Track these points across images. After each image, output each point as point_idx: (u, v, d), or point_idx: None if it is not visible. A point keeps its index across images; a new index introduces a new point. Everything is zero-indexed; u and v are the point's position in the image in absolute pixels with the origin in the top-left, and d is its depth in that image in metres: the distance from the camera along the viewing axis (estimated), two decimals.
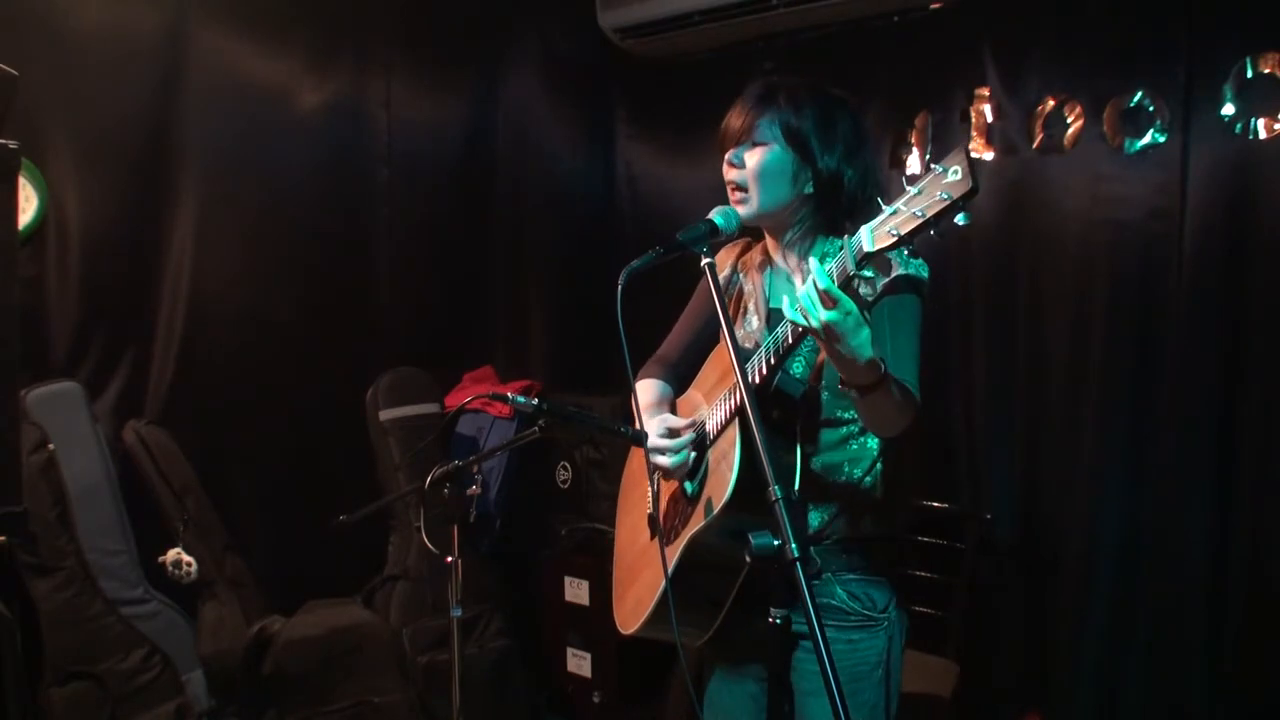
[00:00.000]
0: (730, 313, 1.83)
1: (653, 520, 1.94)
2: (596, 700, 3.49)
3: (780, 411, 1.70)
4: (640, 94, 4.04)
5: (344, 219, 3.60)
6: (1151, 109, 2.72)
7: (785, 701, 1.87)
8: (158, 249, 3.22)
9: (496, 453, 3.49)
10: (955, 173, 1.32)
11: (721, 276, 1.91)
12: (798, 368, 1.76)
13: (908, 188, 1.38)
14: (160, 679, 2.95)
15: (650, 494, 1.97)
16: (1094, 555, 2.86)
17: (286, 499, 3.39)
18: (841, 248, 1.57)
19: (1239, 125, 2.59)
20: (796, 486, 1.64)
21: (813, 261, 1.49)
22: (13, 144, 2.25)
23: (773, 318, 1.84)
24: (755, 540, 1.32)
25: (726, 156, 1.83)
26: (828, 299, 1.46)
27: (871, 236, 1.41)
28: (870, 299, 1.58)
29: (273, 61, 3.39)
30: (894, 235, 1.38)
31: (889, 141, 3.21)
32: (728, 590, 1.76)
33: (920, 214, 1.35)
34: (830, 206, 1.81)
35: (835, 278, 1.47)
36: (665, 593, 1.78)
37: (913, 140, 3.16)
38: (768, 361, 1.64)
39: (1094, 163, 2.82)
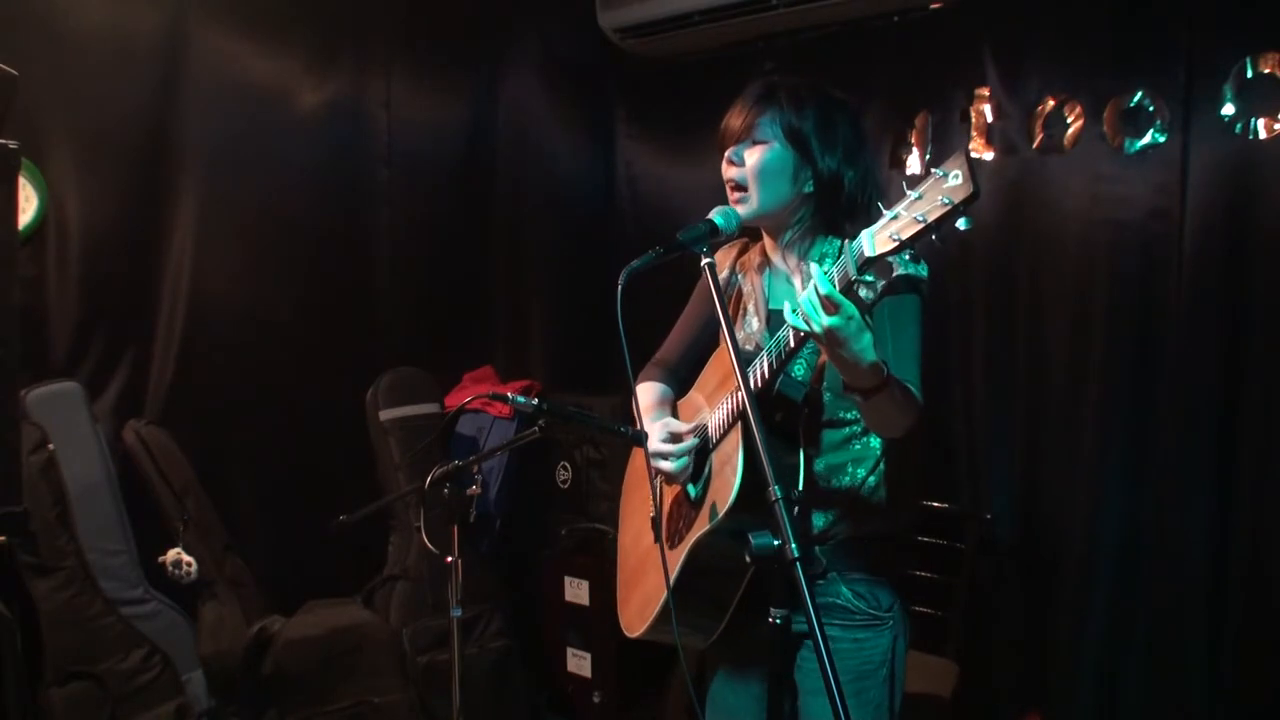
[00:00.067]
0: (729, 313, 1.83)
1: (655, 524, 1.95)
2: (596, 700, 3.49)
3: (782, 414, 1.70)
4: (640, 94, 4.04)
5: (344, 219, 3.60)
6: (1151, 109, 2.72)
7: (786, 701, 1.88)
8: (158, 249, 3.22)
9: (496, 453, 3.49)
10: (956, 177, 1.32)
11: (720, 277, 1.91)
12: (799, 370, 1.76)
13: (908, 192, 1.37)
14: (160, 679, 2.95)
15: (653, 497, 1.97)
16: (1094, 555, 2.86)
17: (286, 499, 3.39)
18: (840, 250, 1.57)
19: (1239, 125, 2.59)
20: (800, 488, 1.64)
21: (814, 266, 1.48)
22: (13, 144, 2.25)
23: (773, 319, 1.84)
24: (755, 540, 1.32)
25: (726, 154, 1.82)
26: (829, 304, 1.45)
27: (873, 241, 1.41)
28: (870, 301, 1.58)
29: (273, 61, 3.39)
30: (895, 240, 1.38)
31: (889, 141, 3.21)
32: (733, 593, 1.77)
33: (921, 219, 1.34)
34: (830, 207, 1.81)
35: (836, 282, 1.47)
36: (672, 592, 1.79)
37: (913, 140, 3.16)
38: (770, 366, 1.64)
39: (1094, 163, 2.82)
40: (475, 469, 3.16)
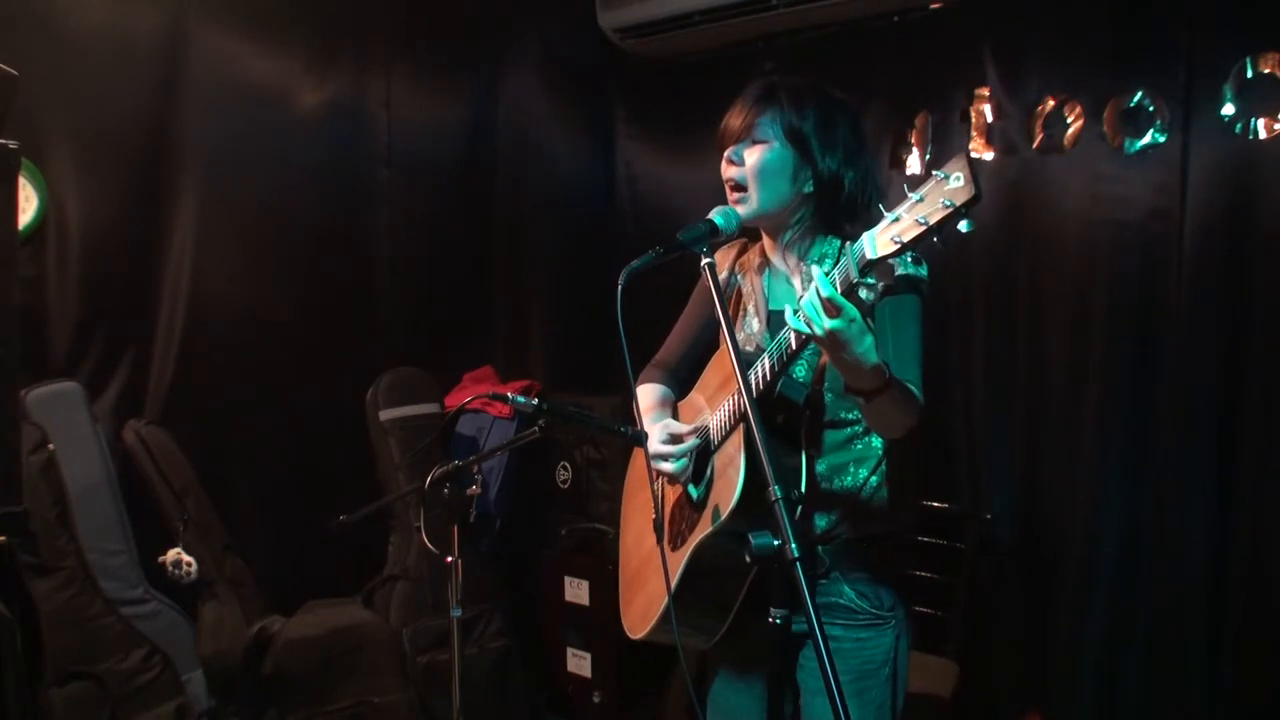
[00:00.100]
0: (729, 314, 1.83)
1: (658, 526, 1.95)
2: (596, 700, 3.49)
3: (784, 415, 1.70)
4: (640, 94, 4.04)
5: (344, 219, 3.60)
6: (1151, 109, 2.72)
7: (786, 701, 1.88)
8: (158, 249, 3.22)
9: (496, 453, 3.49)
10: (958, 179, 1.31)
11: (719, 278, 1.91)
12: (800, 371, 1.76)
13: (909, 194, 1.37)
14: (160, 679, 2.94)
15: (654, 499, 1.97)
16: (1094, 555, 2.86)
17: (286, 499, 3.39)
18: (840, 251, 1.56)
19: (1239, 125, 2.59)
20: (804, 489, 1.64)
21: (815, 269, 1.48)
22: (13, 144, 2.25)
23: (773, 320, 1.84)
24: (755, 540, 1.32)
25: (726, 154, 1.82)
26: (831, 307, 1.45)
27: (874, 243, 1.40)
28: (871, 302, 1.58)
29: (273, 61, 3.39)
30: (897, 242, 1.37)
31: (889, 141, 3.21)
32: (736, 594, 1.77)
33: (923, 221, 1.34)
34: (829, 207, 1.81)
35: (838, 285, 1.46)
36: (675, 594, 1.79)
37: (913, 140, 3.16)
38: (772, 368, 1.64)
39: (1094, 163, 2.82)
40: (475, 469, 3.16)
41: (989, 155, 3.01)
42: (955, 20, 3.04)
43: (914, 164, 3.16)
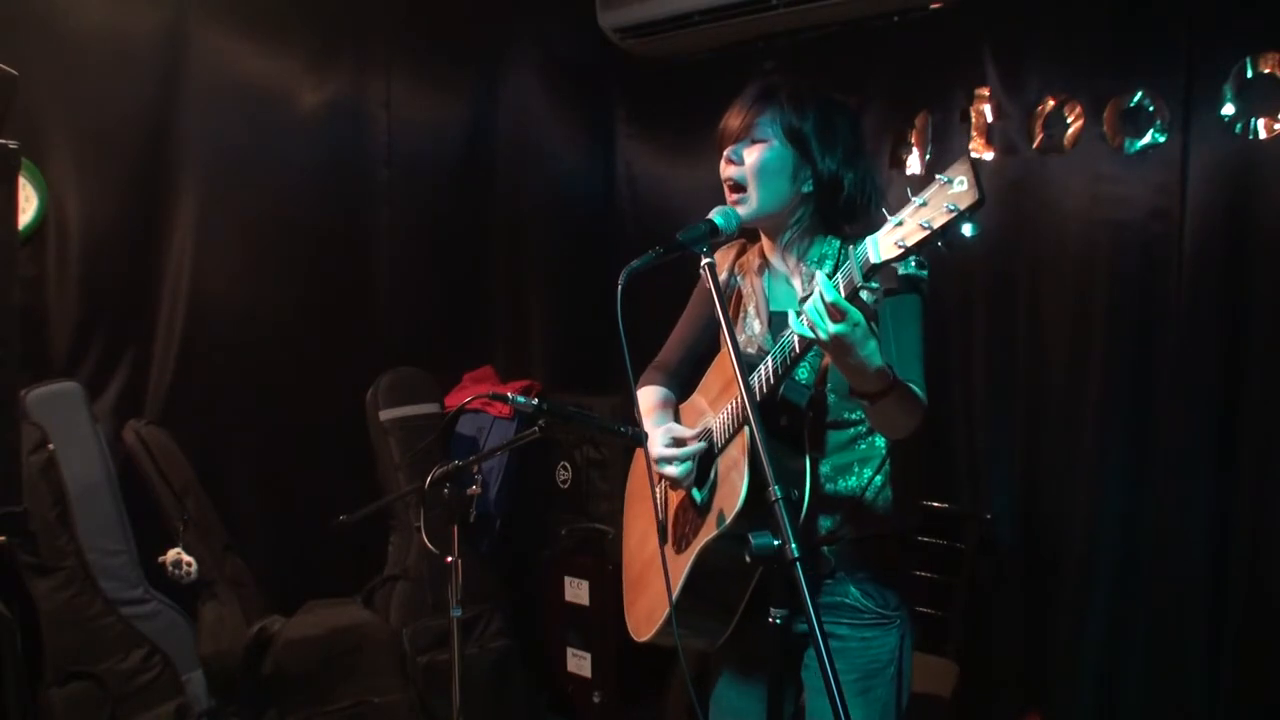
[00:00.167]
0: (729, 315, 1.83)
1: (661, 528, 1.95)
2: (596, 700, 3.49)
3: (787, 417, 1.70)
4: (640, 94, 4.04)
5: (344, 219, 3.60)
6: (1151, 109, 2.72)
7: (786, 700, 1.89)
8: (158, 249, 3.22)
9: (496, 453, 3.49)
10: (961, 183, 1.31)
11: (719, 279, 1.91)
12: (802, 373, 1.76)
13: (912, 197, 1.37)
14: (160, 679, 2.94)
15: (654, 502, 1.97)
16: (1094, 555, 2.86)
17: (286, 499, 3.39)
18: (839, 252, 1.56)
19: (1239, 125, 2.59)
20: (808, 490, 1.64)
21: (819, 274, 1.48)
22: (13, 144, 2.25)
23: (774, 321, 1.84)
24: (755, 540, 1.32)
25: (725, 153, 1.82)
26: (835, 312, 1.45)
27: (878, 247, 1.40)
28: (873, 304, 1.58)
29: (273, 61, 3.39)
30: (901, 247, 1.37)
31: (889, 141, 3.21)
32: (741, 596, 1.77)
33: (927, 225, 1.34)
34: (828, 207, 1.81)
35: (842, 289, 1.46)
36: (680, 598, 1.80)
37: (913, 140, 3.16)
38: (775, 372, 1.64)
39: (1094, 163, 2.82)
40: (475, 469, 3.17)
41: (989, 155, 3.01)
42: (955, 20, 3.04)
43: (914, 164, 3.16)
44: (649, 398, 2.04)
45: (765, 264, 1.90)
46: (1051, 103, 2.89)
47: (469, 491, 2.44)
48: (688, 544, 1.83)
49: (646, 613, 1.96)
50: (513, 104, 3.99)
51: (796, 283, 1.85)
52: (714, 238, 1.71)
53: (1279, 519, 2.58)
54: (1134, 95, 2.74)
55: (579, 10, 3.60)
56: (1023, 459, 3.00)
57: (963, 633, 2.93)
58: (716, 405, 1.86)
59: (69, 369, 3.05)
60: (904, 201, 1.38)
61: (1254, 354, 2.61)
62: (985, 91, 3.02)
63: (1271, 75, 2.54)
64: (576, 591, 3.55)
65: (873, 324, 1.53)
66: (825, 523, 1.77)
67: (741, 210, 1.79)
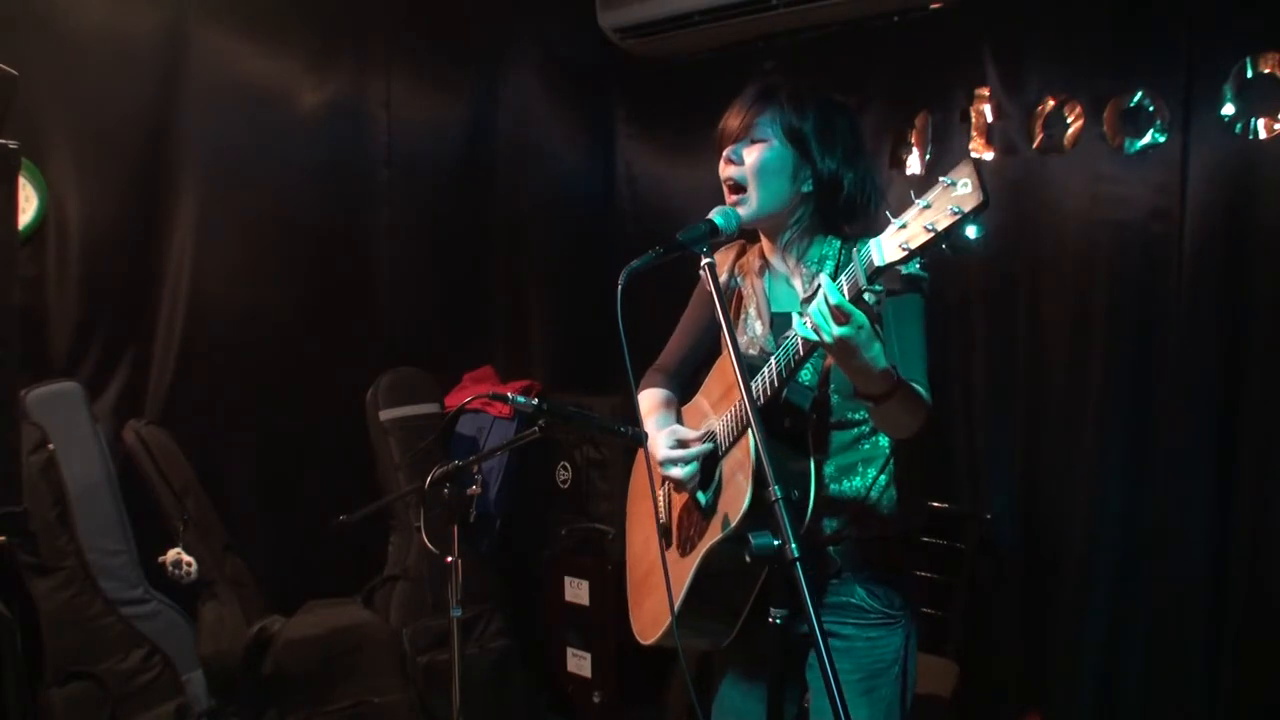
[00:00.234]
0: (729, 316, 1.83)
1: (665, 531, 1.95)
2: (596, 700, 3.49)
3: (791, 419, 1.70)
4: (640, 94, 4.04)
5: (344, 219, 3.60)
6: (1151, 109, 2.71)
7: (790, 701, 1.89)
8: (158, 249, 3.22)
9: (496, 453, 3.49)
10: (965, 185, 1.31)
11: (719, 280, 1.91)
12: (805, 374, 1.75)
13: (916, 199, 1.36)
14: (160, 679, 2.95)
15: (656, 504, 1.97)
16: (1094, 555, 2.86)
17: (286, 499, 3.39)
18: (839, 253, 1.56)
19: (1239, 125, 2.59)
20: (813, 491, 1.64)
21: (822, 276, 1.48)
22: (13, 144, 2.25)
23: (776, 322, 1.84)
24: (755, 540, 1.32)
25: (725, 153, 1.82)
26: (840, 314, 1.45)
27: (882, 250, 1.40)
28: (876, 307, 1.58)
29: (273, 61, 3.39)
30: (906, 249, 1.37)
31: (889, 141, 3.20)
32: (746, 598, 1.77)
33: (931, 228, 1.33)
34: (828, 207, 1.81)
35: (846, 292, 1.46)
36: (685, 600, 1.79)
37: (913, 140, 3.16)
38: (779, 374, 1.63)
39: (1094, 163, 2.82)
40: (475, 469, 3.17)
41: (989, 155, 3.01)
42: (955, 20, 3.04)
43: (914, 164, 3.16)
44: (651, 399, 2.04)
45: (765, 265, 1.90)
46: (1051, 103, 2.89)
47: (469, 491, 2.44)
48: (692, 547, 1.83)
49: (652, 616, 1.96)
50: (513, 104, 3.99)
51: (797, 283, 1.85)
52: (714, 238, 1.71)
53: (1279, 519, 2.58)
54: (1134, 95, 2.74)
55: (579, 10, 3.60)
56: (1023, 459, 3.00)
57: (963, 633, 2.93)
58: (719, 407, 1.86)
59: (69, 369, 3.05)
60: (905, 202, 1.38)
61: (1254, 354, 2.61)
62: (985, 91, 3.01)
63: (1271, 75, 2.54)
64: (576, 591, 3.55)
65: (876, 326, 1.53)
66: (830, 524, 1.77)
67: (742, 211, 1.78)
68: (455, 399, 3.70)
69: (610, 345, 1.63)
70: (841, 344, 1.47)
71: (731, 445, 1.77)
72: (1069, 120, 2.86)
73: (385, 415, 3.47)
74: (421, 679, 3.20)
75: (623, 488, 2.28)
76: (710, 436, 1.84)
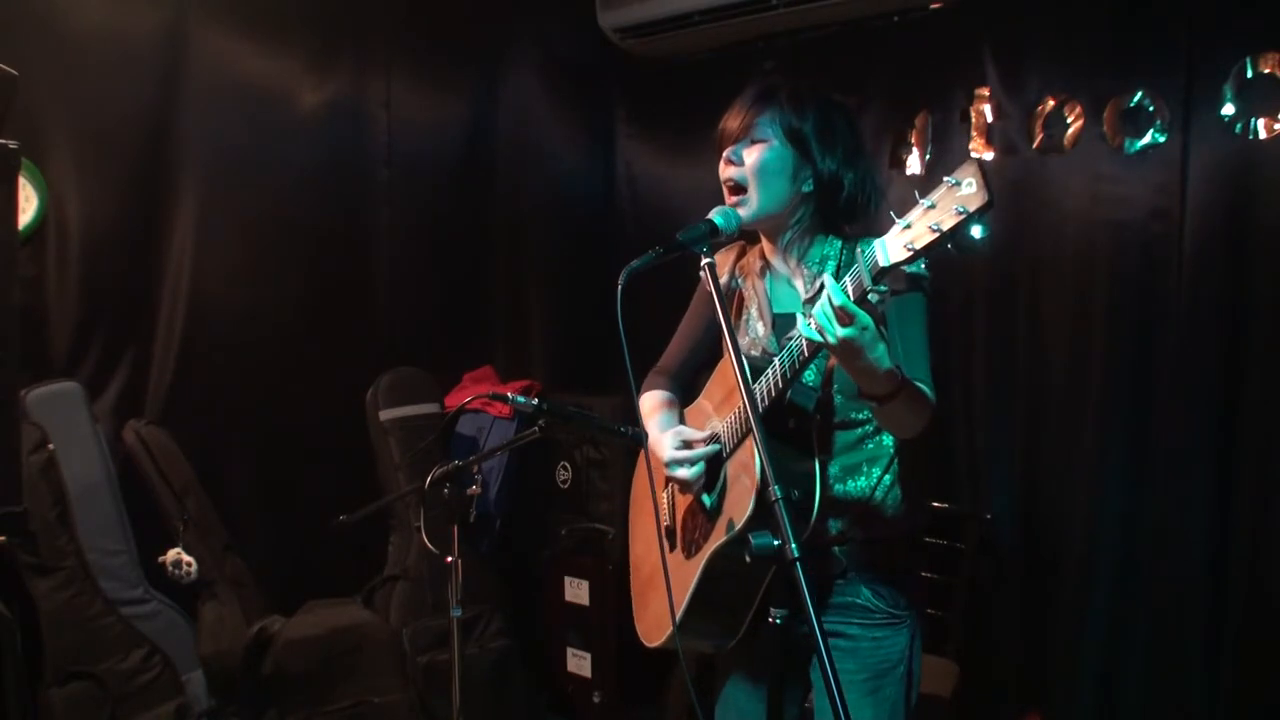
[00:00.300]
0: (730, 316, 1.82)
1: (670, 533, 1.94)
2: (596, 700, 3.49)
3: (795, 420, 1.69)
4: (640, 94, 4.04)
5: (344, 219, 3.60)
6: (1151, 109, 2.71)
7: (793, 701, 1.88)
8: (158, 249, 3.22)
9: (496, 453, 3.49)
10: (970, 185, 1.31)
11: (720, 281, 1.91)
12: (809, 375, 1.75)
13: (920, 199, 1.36)
14: (160, 679, 2.95)
15: (666, 506, 1.96)
16: (1094, 555, 2.86)
17: (286, 499, 3.39)
18: (840, 254, 1.55)
19: (1239, 125, 2.59)
20: (818, 492, 1.64)
21: (826, 277, 1.47)
22: (13, 144, 2.25)
23: (778, 323, 1.84)
24: (755, 540, 1.32)
25: (725, 154, 1.82)
26: (844, 315, 1.44)
27: (886, 250, 1.39)
28: (880, 306, 1.58)
29: (273, 61, 3.39)
30: (910, 250, 1.36)
31: (889, 141, 3.20)
32: (752, 600, 1.77)
33: (936, 228, 1.33)
34: (829, 207, 1.81)
35: (850, 293, 1.45)
36: (690, 604, 1.79)
37: (913, 140, 3.16)
38: (783, 376, 1.63)
39: (1094, 163, 2.82)
40: (475, 469, 3.16)
41: (989, 155, 3.01)
42: (955, 20, 3.04)
43: (914, 164, 3.16)
44: (653, 400, 2.04)
45: (766, 266, 1.90)
46: (1051, 103, 2.89)
47: (469, 491, 2.44)
48: (697, 549, 1.82)
49: (657, 619, 1.96)
50: (513, 104, 3.99)
51: (798, 284, 1.85)
52: (714, 238, 1.71)
53: (1279, 519, 2.58)
54: (1134, 95, 2.74)
55: (579, 10, 3.60)
56: (1023, 459, 3.00)
57: (963, 633, 2.93)
58: (722, 409, 1.86)
59: (69, 369, 3.05)
60: (907, 203, 1.37)
61: (1254, 354, 2.61)
62: (985, 91, 3.01)
63: (1271, 75, 2.54)
64: (576, 591, 3.55)
65: (881, 327, 1.53)
66: (835, 524, 1.77)
67: (743, 212, 1.78)
68: (455, 399, 3.70)
69: (610, 345, 1.63)
70: (846, 345, 1.46)
71: (736, 447, 1.76)
72: (1069, 120, 2.86)
73: (385, 415, 3.47)
74: (421, 679, 3.20)
75: (623, 488, 2.28)
76: (715, 438, 1.84)
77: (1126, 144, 2.76)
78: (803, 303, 1.78)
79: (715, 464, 1.83)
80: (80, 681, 2.82)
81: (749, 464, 1.67)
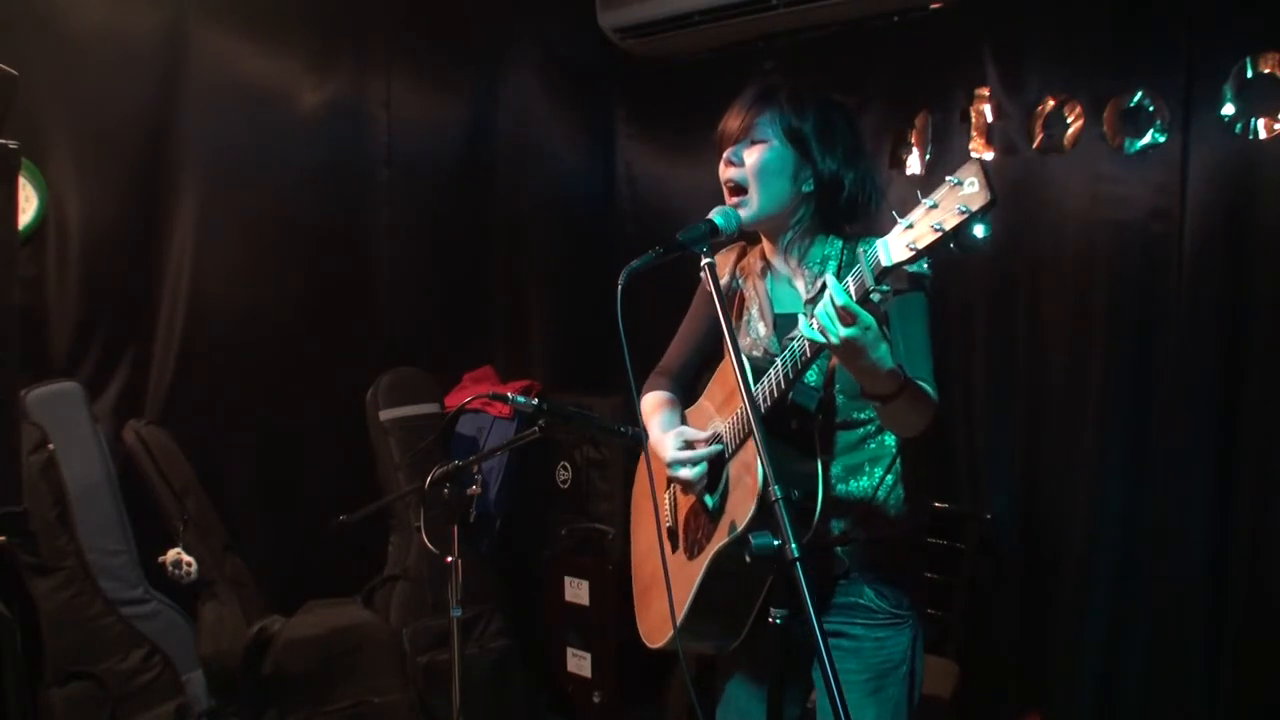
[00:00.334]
0: (730, 317, 1.82)
1: (672, 534, 1.94)
2: (596, 700, 3.49)
3: (797, 421, 1.69)
4: (640, 94, 4.04)
5: (344, 219, 3.60)
6: (1151, 109, 2.71)
7: (794, 701, 1.88)
8: (158, 249, 3.22)
9: (496, 453, 3.49)
10: (972, 184, 1.31)
11: (720, 282, 1.90)
12: (810, 375, 1.75)
13: (922, 199, 1.35)
14: (160, 679, 2.95)
15: (668, 507, 1.96)
16: (1094, 555, 2.86)
17: (286, 499, 3.39)
18: (841, 254, 1.54)
19: (1239, 125, 2.59)
20: (821, 492, 1.64)
21: (828, 277, 1.47)
22: (13, 144, 2.25)
23: (779, 324, 1.84)
24: (755, 540, 1.32)
25: (725, 155, 1.82)
26: (846, 315, 1.44)
27: (889, 250, 1.39)
28: (883, 306, 1.58)
29: (273, 61, 3.39)
30: (913, 250, 1.36)
31: (889, 141, 3.20)
32: (754, 601, 1.77)
33: (939, 227, 1.33)
34: (829, 207, 1.81)
35: (853, 293, 1.45)
36: (692, 604, 1.79)
37: (913, 140, 3.16)
38: (786, 376, 1.63)
39: (1094, 163, 2.82)
40: (475, 469, 3.16)
41: (989, 155, 3.01)
42: (955, 20, 3.04)
43: (914, 164, 3.16)
44: (654, 401, 2.04)
45: (767, 266, 1.90)
46: (1051, 103, 2.89)
47: (469, 491, 2.44)
48: (700, 550, 1.82)
49: (660, 620, 1.95)
50: (513, 104, 3.99)
51: (799, 284, 1.85)
52: (714, 238, 1.70)
53: (1279, 519, 2.58)
54: (1134, 95, 2.74)
55: (579, 10, 3.60)
56: (1023, 459, 3.00)
57: (963, 633, 2.93)
58: (724, 410, 1.85)
59: (69, 369, 3.05)
60: (908, 202, 1.37)
61: (1254, 354, 2.61)
62: (985, 91, 3.01)
63: (1271, 75, 2.54)
64: (576, 591, 3.55)
65: (884, 327, 1.52)
66: (838, 524, 1.77)
67: (743, 213, 1.78)
68: (455, 399, 3.70)
69: (610, 345, 1.63)
70: (848, 345, 1.46)
71: (738, 448, 1.76)
72: (1069, 120, 2.86)
73: (385, 415, 3.47)
74: (421, 679, 3.20)
75: (623, 488, 2.28)
76: (717, 438, 1.84)
77: (1126, 144, 2.76)
78: (804, 303, 1.78)
79: (718, 464, 1.82)
80: (80, 681, 2.82)
81: (752, 464, 1.67)
